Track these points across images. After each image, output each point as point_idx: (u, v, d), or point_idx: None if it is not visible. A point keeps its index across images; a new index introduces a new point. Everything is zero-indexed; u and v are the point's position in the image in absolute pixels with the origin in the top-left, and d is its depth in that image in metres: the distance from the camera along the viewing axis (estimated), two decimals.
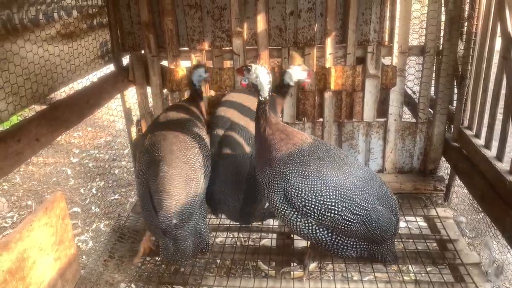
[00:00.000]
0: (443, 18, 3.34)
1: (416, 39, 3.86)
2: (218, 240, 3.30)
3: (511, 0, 2.64)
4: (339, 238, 2.41)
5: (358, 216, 2.31)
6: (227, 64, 3.79)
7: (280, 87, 3.18)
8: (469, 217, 3.45)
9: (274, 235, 3.14)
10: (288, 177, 2.30)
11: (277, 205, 2.37)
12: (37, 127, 2.50)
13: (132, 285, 2.74)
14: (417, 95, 3.61)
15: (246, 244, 3.15)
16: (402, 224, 3.34)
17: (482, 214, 3.14)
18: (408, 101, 4.04)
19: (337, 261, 2.83)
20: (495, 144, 2.89)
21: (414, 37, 3.78)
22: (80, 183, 5.17)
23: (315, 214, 2.30)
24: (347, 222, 2.31)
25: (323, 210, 2.29)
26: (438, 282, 2.62)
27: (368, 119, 3.59)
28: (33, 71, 2.47)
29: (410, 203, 3.42)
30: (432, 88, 3.56)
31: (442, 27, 3.36)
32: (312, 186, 2.28)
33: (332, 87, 3.49)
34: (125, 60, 3.75)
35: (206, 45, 3.54)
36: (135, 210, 3.53)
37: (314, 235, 2.39)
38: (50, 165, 5.65)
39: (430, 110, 3.63)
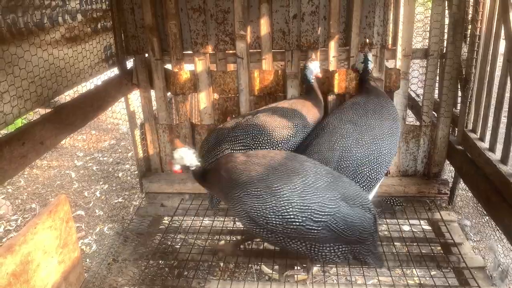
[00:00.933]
0: (446, 21, 3.33)
1: (420, 42, 3.86)
2: (221, 243, 3.29)
3: None
4: (313, 246, 2.40)
5: (321, 223, 2.30)
6: (231, 67, 3.80)
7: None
8: (474, 220, 3.44)
9: None
10: (243, 200, 2.37)
11: (248, 226, 2.45)
12: (41, 130, 2.51)
13: None
14: (421, 98, 3.61)
15: (250, 247, 3.14)
16: (406, 227, 3.34)
17: (487, 217, 3.13)
18: (412, 104, 4.04)
19: (341, 264, 2.82)
20: (499, 147, 2.88)
21: (417, 40, 3.77)
22: (84, 186, 5.19)
23: (280, 229, 2.33)
24: (312, 231, 2.30)
25: (284, 224, 2.30)
26: (443, 286, 2.61)
27: None
28: (38, 75, 2.48)
29: (414, 207, 3.41)
30: (436, 91, 3.55)
31: (446, 30, 3.35)
32: (267, 204, 2.31)
33: (336, 90, 3.48)
34: (129, 63, 3.77)
35: (209, 49, 3.55)
36: (138, 213, 3.54)
37: (290, 246, 2.42)
38: (54, 168, 5.68)
39: (434, 113, 3.62)
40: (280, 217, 2.29)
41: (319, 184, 2.37)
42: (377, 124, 2.91)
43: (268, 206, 2.31)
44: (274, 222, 2.31)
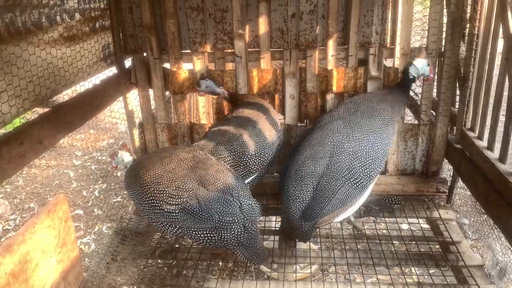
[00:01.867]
0: (445, 20, 3.34)
1: (418, 41, 3.86)
2: None
3: None
4: (186, 230, 2.54)
5: (176, 205, 2.46)
6: (229, 66, 3.80)
7: (403, 82, 3.07)
8: (472, 219, 3.44)
9: (276, 237, 3.14)
10: (128, 193, 2.70)
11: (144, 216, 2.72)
12: (39, 129, 2.51)
13: (135, 287, 2.74)
14: (420, 97, 3.61)
15: None
16: (404, 226, 3.34)
17: (485, 215, 3.13)
18: (410, 103, 4.03)
19: (340, 263, 2.82)
20: (497, 145, 2.88)
21: (416, 39, 3.78)
22: (83, 186, 5.19)
23: (152, 215, 2.55)
24: (171, 214, 2.47)
25: (151, 209, 2.52)
26: (441, 284, 2.61)
27: None
28: (36, 74, 2.48)
29: (413, 205, 3.41)
30: (434, 90, 3.56)
31: (444, 29, 3.35)
32: (136, 191, 2.60)
33: (334, 89, 3.49)
34: (128, 62, 3.76)
35: (208, 48, 3.54)
36: (137, 212, 3.53)
37: (169, 231, 2.61)
38: (53, 168, 5.67)
39: (433, 112, 3.62)
40: (145, 203, 2.53)
41: (178, 170, 2.57)
42: (366, 122, 2.91)
43: (136, 193, 2.59)
44: (145, 208, 2.56)
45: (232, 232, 2.51)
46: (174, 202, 2.46)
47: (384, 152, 2.86)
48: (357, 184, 2.74)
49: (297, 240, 2.95)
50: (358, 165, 2.75)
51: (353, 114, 2.96)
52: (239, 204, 2.51)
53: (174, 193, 2.47)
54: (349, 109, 3.03)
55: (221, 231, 2.50)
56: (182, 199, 2.45)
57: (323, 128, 2.95)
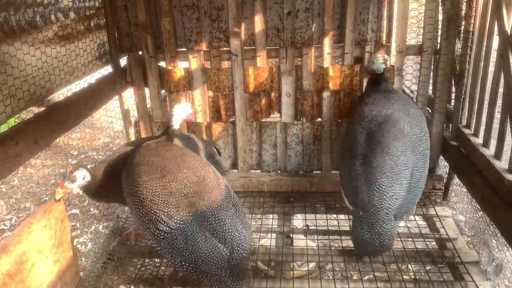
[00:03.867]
0: (440, 17, 3.34)
1: (414, 38, 3.86)
2: None
3: None
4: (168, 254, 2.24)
5: (164, 233, 2.17)
6: (225, 64, 3.79)
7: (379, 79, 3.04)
8: (468, 215, 3.46)
9: (273, 235, 3.14)
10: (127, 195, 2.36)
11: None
12: (35, 129, 2.50)
13: (132, 287, 2.74)
14: (415, 94, 3.62)
15: None
16: (401, 223, 3.35)
17: (481, 212, 3.15)
18: None
19: (337, 260, 2.83)
20: (493, 142, 2.90)
21: (411, 36, 3.78)
22: None
23: (147, 230, 2.25)
24: (158, 236, 2.19)
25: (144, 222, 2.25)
26: (438, 281, 2.62)
27: None
28: (31, 73, 2.46)
29: None
30: (430, 87, 3.56)
31: (440, 26, 3.36)
32: (132, 199, 2.29)
33: (330, 86, 3.49)
34: (123, 61, 3.75)
35: (203, 46, 3.53)
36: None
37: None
38: (49, 167, 5.65)
39: (428, 109, 3.63)
40: (139, 215, 2.24)
41: (176, 197, 2.23)
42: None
43: (131, 203, 2.30)
44: (140, 218, 2.25)
45: (217, 277, 2.18)
46: (162, 229, 2.16)
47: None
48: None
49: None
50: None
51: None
52: (229, 255, 2.19)
53: (165, 220, 2.16)
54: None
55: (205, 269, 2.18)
56: (170, 229, 2.15)
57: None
